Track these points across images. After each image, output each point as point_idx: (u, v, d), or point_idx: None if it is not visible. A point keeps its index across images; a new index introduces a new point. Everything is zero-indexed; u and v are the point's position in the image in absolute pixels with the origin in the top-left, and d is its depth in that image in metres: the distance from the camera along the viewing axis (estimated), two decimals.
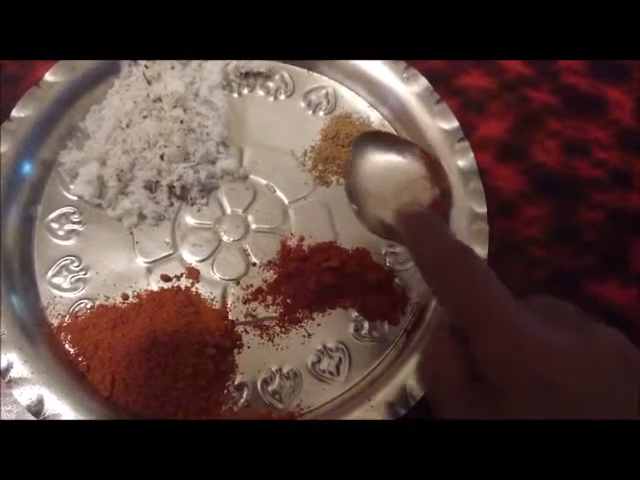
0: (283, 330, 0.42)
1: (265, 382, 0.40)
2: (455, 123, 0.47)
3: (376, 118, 0.50)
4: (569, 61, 0.56)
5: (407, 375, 0.39)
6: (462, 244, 0.31)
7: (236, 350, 0.41)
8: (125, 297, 0.42)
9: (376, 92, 0.50)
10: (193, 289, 0.43)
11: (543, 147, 0.52)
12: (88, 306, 0.42)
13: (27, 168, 0.45)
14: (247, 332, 0.42)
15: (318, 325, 0.42)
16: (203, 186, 0.46)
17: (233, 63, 0.51)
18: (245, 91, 0.52)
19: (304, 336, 0.42)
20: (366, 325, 0.42)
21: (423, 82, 0.49)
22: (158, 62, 0.50)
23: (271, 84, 0.52)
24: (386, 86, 0.50)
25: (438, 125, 0.47)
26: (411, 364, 0.39)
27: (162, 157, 0.45)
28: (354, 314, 0.43)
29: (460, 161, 0.46)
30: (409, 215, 0.34)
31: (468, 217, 0.44)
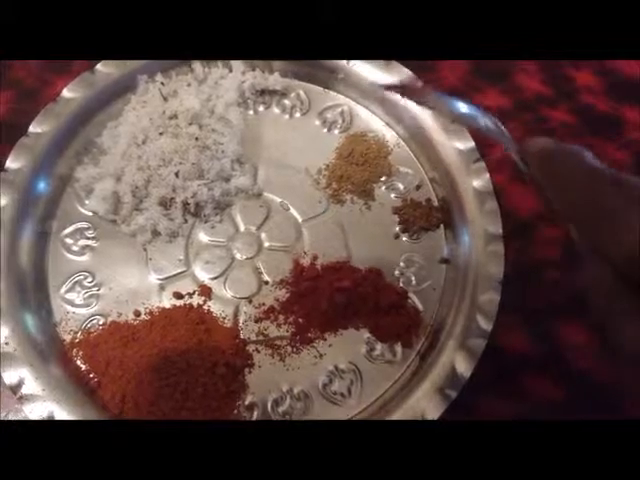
0: (294, 350, 0.42)
1: (276, 402, 0.40)
2: (471, 143, 0.47)
3: (392, 137, 0.50)
4: (587, 81, 0.56)
5: (420, 398, 0.38)
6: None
7: (247, 369, 0.41)
8: (137, 314, 0.42)
9: (392, 111, 0.50)
10: (205, 307, 0.43)
11: None
12: (100, 322, 0.42)
13: (43, 183, 0.46)
14: (258, 351, 0.42)
15: (330, 345, 0.42)
16: (217, 203, 0.46)
17: (249, 81, 0.51)
18: (261, 108, 0.52)
19: (315, 356, 0.42)
20: (379, 346, 0.42)
21: None
22: (174, 79, 0.50)
23: (287, 102, 0.52)
24: (402, 105, 0.49)
25: (454, 145, 0.47)
26: (424, 387, 0.39)
27: (177, 174, 0.45)
28: (366, 335, 0.42)
29: (475, 181, 0.45)
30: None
31: (484, 238, 0.43)
